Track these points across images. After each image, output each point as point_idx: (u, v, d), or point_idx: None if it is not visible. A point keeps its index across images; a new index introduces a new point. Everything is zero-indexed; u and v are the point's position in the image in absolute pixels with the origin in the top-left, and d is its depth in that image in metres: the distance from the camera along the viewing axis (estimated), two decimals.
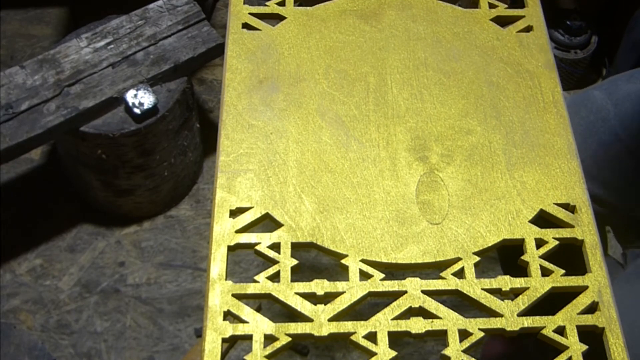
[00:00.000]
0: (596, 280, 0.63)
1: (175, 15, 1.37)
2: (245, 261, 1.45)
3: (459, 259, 0.64)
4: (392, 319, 0.61)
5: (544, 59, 0.77)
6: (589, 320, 0.61)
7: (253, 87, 0.74)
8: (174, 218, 1.51)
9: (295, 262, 0.63)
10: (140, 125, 1.29)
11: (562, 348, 0.60)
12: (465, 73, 0.76)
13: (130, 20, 1.36)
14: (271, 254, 0.64)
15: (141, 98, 1.28)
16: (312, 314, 0.61)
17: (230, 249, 0.64)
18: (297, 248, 0.64)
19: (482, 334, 0.60)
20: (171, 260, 1.46)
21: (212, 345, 0.59)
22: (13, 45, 1.77)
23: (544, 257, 0.65)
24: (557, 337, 0.60)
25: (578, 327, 0.61)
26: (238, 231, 0.65)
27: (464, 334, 0.60)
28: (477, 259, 0.64)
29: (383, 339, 0.60)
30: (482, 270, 0.65)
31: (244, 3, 0.80)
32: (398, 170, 0.69)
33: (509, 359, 1.10)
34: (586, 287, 0.63)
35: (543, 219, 0.67)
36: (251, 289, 0.62)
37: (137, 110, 1.28)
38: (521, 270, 0.65)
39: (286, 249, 0.64)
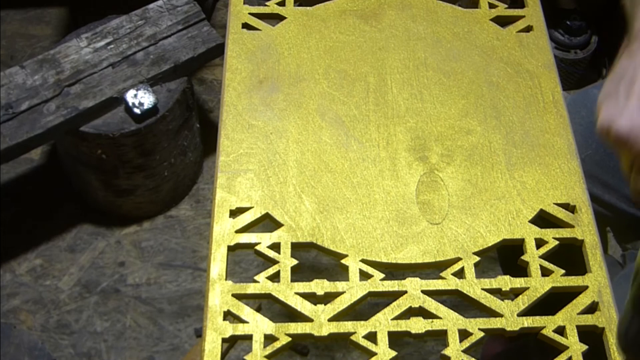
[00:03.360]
0: (596, 280, 0.63)
1: (175, 15, 1.37)
2: (245, 261, 1.44)
3: (459, 259, 0.64)
4: (392, 319, 0.61)
5: (544, 59, 0.77)
6: (589, 320, 0.61)
7: (253, 87, 0.74)
8: (174, 218, 1.51)
9: (295, 262, 0.63)
10: (140, 125, 1.29)
11: (562, 348, 0.60)
12: (465, 73, 0.76)
13: (130, 20, 1.36)
14: (271, 254, 0.64)
15: (141, 98, 1.28)
16: (312, 314, 0.61)
17: (230, 249, 0.64)
18: (297, 248, 0.64)
19: (482, 334, 0.60)
20: (171, 260, 1.46)
21: (212, 345, 0.59)
22: (13, 45, 1.77)
23: (544, 257, 0.65)
24: (557, 337, 0.60)
25: (578, 327, 0.61)
26: (238, 231, 0.65)
27: (464, 334, 0.60)
28: (477, 259, 0.64)
29: (383, 339, 0.60)
30: (482, 270, 0.65)
31: (244, 3, 0.80)
32: (398, 170, 0.69)
33: (509, 356, 1.10)
34: (586, 287, 0.63)
35: (543, 219, 0.67)
36: (251, 289, 0.62)
37: (137, 110, 1.28)
38: (521, 270, 0.65)
39: (286, 249, 0.64)
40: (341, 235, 0.65)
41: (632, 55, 0.56)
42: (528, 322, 0.61)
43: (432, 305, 0.62)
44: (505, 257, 1.00)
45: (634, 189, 0.58)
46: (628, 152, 0.55)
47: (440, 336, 0.61)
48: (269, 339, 0.59)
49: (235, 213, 0.66)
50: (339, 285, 0.62)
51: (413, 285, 0.63)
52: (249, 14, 0.79)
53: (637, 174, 0.57)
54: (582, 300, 0.62)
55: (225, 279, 0.62)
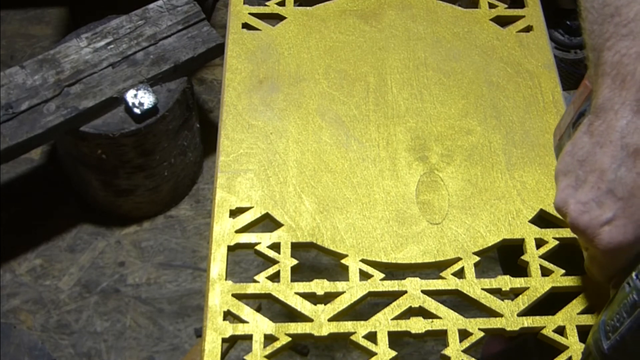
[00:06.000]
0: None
1: (175, 15, 1.37)
2: (245, 261, 1.45)
3: (459, 259, 0.64)
4: (392, 319, 0.61)
5: (544, 59, 0.77)
6: (589, 320, 0.61)
7: (253, 87, 0.74)
8: (174, 218, 1.52)
9: (295, 262, 0.63)
10: (140, 125, 1.29)
11: (562, 348, 0.60)
12: (465, 73, 0.76)
13: (130, 20, 1.36)
14: (271, 254, 0.64)
15: (141, 98, 1.28)
16: (312, 314, 0.61)
17: (230, 249, 0.64)
18: (297, 248, 0.64)
19: (482, 334, 0.60)
20: (171, 260, 1.46)
21: (212, 345, 0.59)
22: (13, 45, 1.77)
23: (544, 257, 0.65)
24: (557, 337, 0.60)
25: (578, 327, 0.61)
26: (238, 231, 0.65)
27: (464, 334, 0.60)
28: (477, 259, 0.64)
29: (383, 339, 0.60)
30: (482, 270, 0.65)
31: (244, 3, 0.80)
32: (398, 170, 0.69)
33: (509, 355, 1.11)
34: (586, 287, 0.63)
35: (543, 219, 0.67)
36: (251, 289, 0.62)
37: (137, 110, 1.28)
38: (521, 270, 0.65)
39: (286, 249, 0.64)
40: (341, 235, 0.65)
41: (593, 134, 0.54)
42: (528, 322, 0.61)
43: (432, 305, 0.62)
44: (505, 257, 1.00)
45: (586, 268, 0.59)
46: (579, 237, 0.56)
47: (440, 336, 0.61)
48: (269, 339, 0.59)
49: (235, 213, 0.66)
50: (339, 285, 0.62)
51: (413, 285, 0.63)
52: (249, 14, 0.79)
53: (589, 259, 0.58)
54: (582, 300, 0.62)
55: (225, 279, 0.62)
